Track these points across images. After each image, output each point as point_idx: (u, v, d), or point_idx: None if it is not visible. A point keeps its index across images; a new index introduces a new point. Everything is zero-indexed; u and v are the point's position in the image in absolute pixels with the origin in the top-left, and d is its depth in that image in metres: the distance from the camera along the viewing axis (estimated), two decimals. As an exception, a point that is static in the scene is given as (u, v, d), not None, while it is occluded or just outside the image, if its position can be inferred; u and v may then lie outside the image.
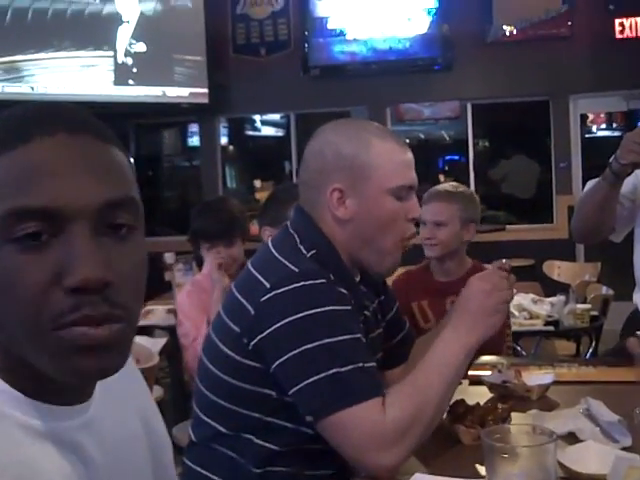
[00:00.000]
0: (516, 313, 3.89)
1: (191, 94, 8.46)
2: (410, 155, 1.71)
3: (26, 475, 0.77)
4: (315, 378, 1.46)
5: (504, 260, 1.66)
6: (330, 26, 8.53)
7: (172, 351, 4.07)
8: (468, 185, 8.42)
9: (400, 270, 2.91)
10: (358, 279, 1.73)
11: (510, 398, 1.92)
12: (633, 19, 7.83)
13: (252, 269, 1.62)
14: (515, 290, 1.68)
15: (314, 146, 1.71)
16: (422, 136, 9.26)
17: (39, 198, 0.75)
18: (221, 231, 3.13)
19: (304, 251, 1.62)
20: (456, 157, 9.23)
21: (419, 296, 2.93)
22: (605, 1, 7.81)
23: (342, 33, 8.51)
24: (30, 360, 0.79)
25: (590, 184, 2.60)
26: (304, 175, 1.73)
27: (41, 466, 0.79)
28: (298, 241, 1.64)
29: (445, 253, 2.95)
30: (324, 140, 1.70)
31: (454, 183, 3.20)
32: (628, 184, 2.56)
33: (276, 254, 1.62)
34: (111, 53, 8.06)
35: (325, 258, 1.62)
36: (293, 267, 1.56)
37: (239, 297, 1.59)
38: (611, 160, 2.42)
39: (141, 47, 8.19)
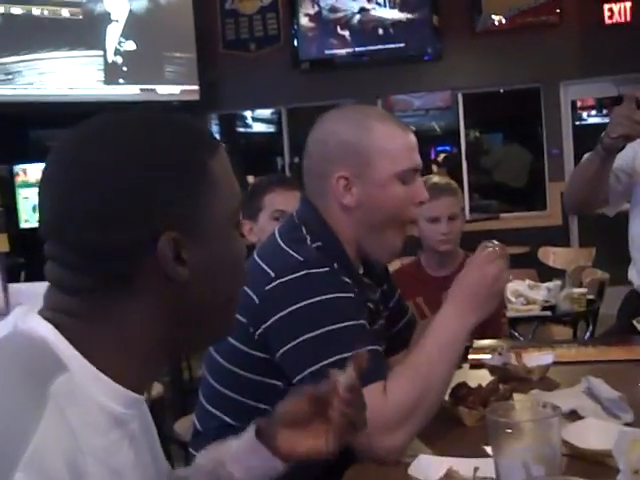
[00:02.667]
0: (513, 299, 3.91)
1: (182, 91, 8.45)
2: (413, 137, 1.70)
3: (107, 460, 0.87)
4: (319, 365, 1.47)
5: (494, 241, 1.66)
6: (319, 20, 8.53)
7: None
8: (461, 175, 8.45)
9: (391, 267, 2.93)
10: (361, 272, 1.73)
11: (511, 380, 1.93)
12: (622, 4, 7.85)
13: (257, 259, 1.62)
14: (511, 277, 1.69)
15: (316, 135, 1.70)
16: (413, 127, 9.25)
17: None
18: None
19: (309, 241, 1.62)
20: (448, 147, 9.25)
21: (414, 293, 2.89)
22: (593, -13, 7.84)
23: (332, 26, 8.51)
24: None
25: (584, 158, 2.60)
26: (308, 165, 1.72)
27: (118, 453, 0.90)
28: (304, 232, 1.65)
29: (455, 247, 2.98)
30: (326, 129, 1.69)
31: (441, 177, 3.25)
32: (627, 158, 2.56)
33: (281, 244, 1.62)
34: (101, 52, 8.05)
35: (330, 250, 1.62)
36: (297, 256, 1.56)
37: (244, 287, 1.59)
38: (602, 135, 2.43)
39: (131, 45, 8.18)
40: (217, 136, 9.39)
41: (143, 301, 0.90)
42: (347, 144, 1.64)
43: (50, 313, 0.91)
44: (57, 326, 0.89)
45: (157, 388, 3.51)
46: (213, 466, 1.19)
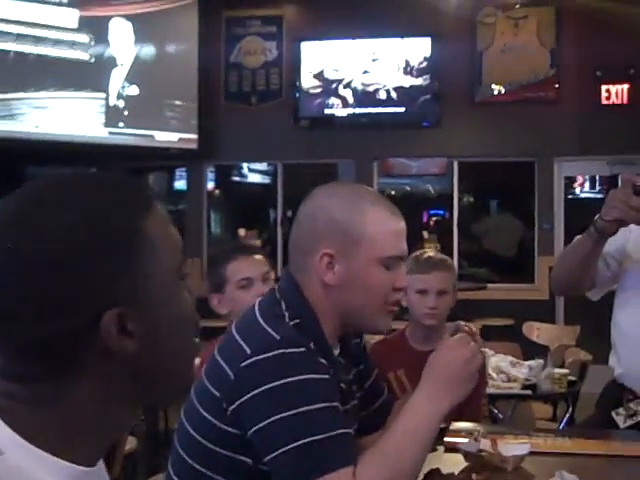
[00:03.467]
0: (494, 375, 3.89)
1: (180, 139, 8.51)
2: (403, 224, 1.71)
3: None
4: (290, 447, 1.46)
5: (462, 322, 1.67)
6: (321, 79, 8.64)
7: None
8: (451, 240, 8.49)
9: (376, 338, 2.90)
10: (337, 352, 1.73)
11: (485, 468, 1.92)
12: (619, 86, 7.98)
13: (235, 333, 1.62)
14: (493, 351, 1.69)
15: (307, 209, 1.71)
16: (408, 189, 9.35)
17: None
18: None
19: (287, 319, 1.62)
20: (441, 212, 9.31)
21: (395, 365, 2.86)
22: (592, 67, 7.97)
23: (334, 85, 8.62)
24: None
25: (575, 239, 2.59)
26: (295, 237, 1.72)
27: None
28: (284, 308, 1.64)
29: (441, 323, 2.94)
30: (317, 204, 1.70)
31: (434, 252, 3.23)
32: (618, 245, 2.55)
33: (260, 319, 1.62)
34: (103, 95, 8.11)
35: (307, 328, 1.62)
36: (274, 334, 1.56)
37: (220, 361, 1.59)
38: (596, 217, 2.42)
39: (134, 90, 8.25)
40: (212, 184, 9.45)
41: (90, 381, 0.87)
42: (337, 223, 1.65)
43: None
44: None
45: (131, 442, 3.47)
46: None
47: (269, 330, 1.57)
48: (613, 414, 2.51)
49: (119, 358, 0.86)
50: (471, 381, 1.59)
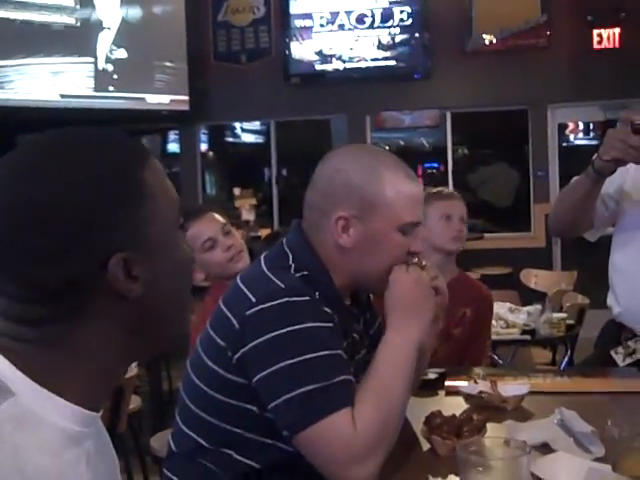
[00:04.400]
0: (493, 322, 3.92)
1: (172, 101, 8.45)
2: (420, 189, 1.71)
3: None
4: (293, 394, 1.48)
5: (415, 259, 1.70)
6: (311, 34, 8.57)
7: (151, 360, 4.08)
8: (447, 193, 8.48)
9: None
10: (348, 302, 1.75)
11: (486, 409, 1.94)
12: (611, 30, 7.92)
13: (240, 283, 1.63)
14: (437, 274, 1.72)
15: (325, 170, 1.70)
16: (402, 143, 9.32)
17: None
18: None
19: (293, 270, 1.63)
20: (435, 164, 9.28)
21: None
22: (583, 12, 7.90)
23: (323, 42, 8.55)
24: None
25: (573, 180, 2.59)
26: (311, 197, 1.72)
27: (73, 473, 0.88)
28: (291, 259, 1.66)
29: (459, 250, 3.03)
30: (336, 166, 1.69)
31: None
32: (615, 185, 2.54)
33: (265, 270, 1.63)
34: (91, 59, 8.04)
35: (315, 280, 1.63)
36: (279, 283, 1.57)
37: (225, 311, 1.61)
38: (594, 157, 2.41)
39: (122, 53, 8.18)
40: (205, 146, 9.41)
41: (96, 324, 0.91)
42: (354, 186, 1.64)
43: None
44: (4, 352, 0.89)
45: (135, 401, 3.51)
46: None
47: (274, 279, 1.58)
48: (612, 353, 2.53)
49: (125, 302, 0.91)
50: (428, 300, 1.64)
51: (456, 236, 2.96)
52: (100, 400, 0.96)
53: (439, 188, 3.16)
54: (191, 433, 1.66)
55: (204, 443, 1.63)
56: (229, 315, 1.59)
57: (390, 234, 1.66)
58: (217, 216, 2.89)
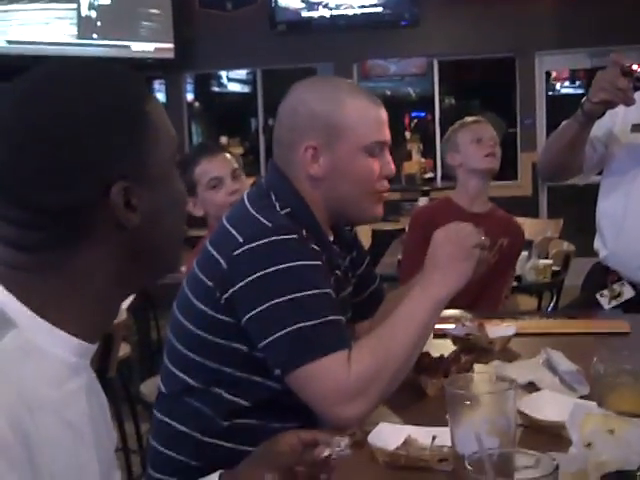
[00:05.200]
0: (479, 268, 3.94)
1: (156, 49, 8.36)
2: (383, 112, 1.72)
3: (62, 412, 0.88)
4: (283, 332, 1.49)
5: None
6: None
7: (139, 308, 4.09)
8: (434, 142, 8.47)
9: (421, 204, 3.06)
10: (331, 238, 1.75)
11: (473, 350, 1.96)
12: (598, -24, 7.85)
13: (227, 224, 1.63)
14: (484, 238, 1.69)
15: (287, 104, 1.71)
16: (388, 93, 9.26)
17: None
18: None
19: (278, 208, 1.64)
20: (422, 114, 9.25)
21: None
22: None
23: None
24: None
25: (562, 124, 2.59)
26: (278, 133, 1.73)
27: (74, 404, 0.91)
28: (274, 198, 1.66)
29: (496, 169, 3.13)
30: (297, 98, 1.70)
31: None
32: (604, 128, 2.55)
33: (251, 209, 1.63)
34: (74, 6, 7.91)
35: (299, 216, 1.64)
36: (266, 222, 1.57)
37: (212, 251, 1.61)
38: (583, 100, 2.41)
39: (105, 0, 8.05)
40: (192, 95, 9.33)
41: (94, 252, 0.92)
42: (317, 115, 1.65)
43: None
44: (4, 282, 0.90)
45: (124, 348, 3.52)
46: None
47: (261, 218, 1.58)
48: (597, 296, 2.56)
49: (122, 231, 0.93)
50: (467, 259, 1.59)
51: (489, 153, 3.04)
52: (97, 331, 0.97)
53: (466, 118, 3.24)
54: (180, 374, 1.67)
55: (193, 383, 1.64)
56: (216, 255, 1.59)
57: (358, 157, 1.66)
58: (230, 158, 2.89)
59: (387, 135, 1.72)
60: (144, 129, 0.95)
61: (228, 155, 2.90)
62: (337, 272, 1.74)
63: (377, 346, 1.52)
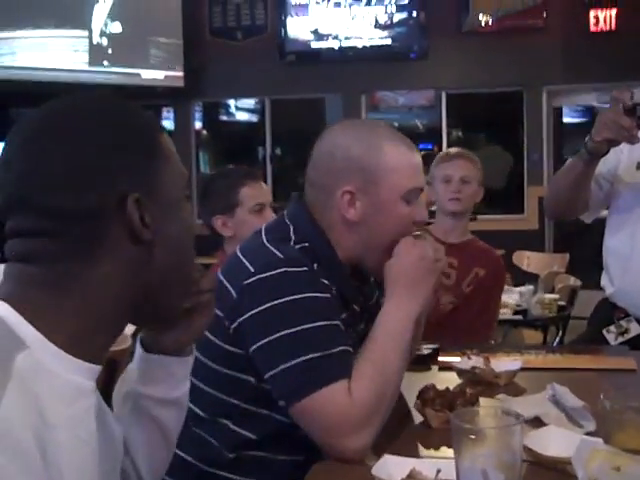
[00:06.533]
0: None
1: (166, 77, 8.42)
2: (419, 158, 1.71)
3: (75, 429, 0.90)
4: (290, 364, 1.48)
5: (417, 232, 1.70)
6: (307, 12, 8.53)
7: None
8: (441, 174, 8.47)
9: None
10: (349, 272, 1.75)
11: (478, 384, 1.95)
12: (608, 12, 7.91)
13: (239, 254, 1.64)
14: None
15: (323, 147, 1.70)
16: (396, 124, 9.29)
17: None
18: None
19: (293, 242, 1.63)
20: (429, 146, 9.27)
21: None
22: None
23: (320, 19, 8.51)
24: None
25: (567, 162, 2.59)
26: (312, 175, 1.72)
27: (85, 422, 0.92)
28: (292, 230, 1.66)
29: (464, 210, 3.05)
30: (334, 142, 1.69)
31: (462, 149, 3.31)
32: (609, 165, 2.54)
33: (265, 241, 1.63)
34: (86, 33, 7.99)
35: (315, 251, 1.63)
36: (278, 253, 1.57)
37: (224, 281, 1.60)
38: (587, 139, 2.40)
39: (117, 27, 8.13)
40: (200, 124, 9.37)
41: (107, 266, 0.94)
42: (355, 160, 1.64)
43: (10, 287, 0.93)
44: (16, 302, 0.90)
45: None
46: (133, 402, 1.18)
47: (273, 250, 1.59)
48: (604, 332, 2.54)
49: (136, 248, 0.95)
50: (431, 275, 1.63)
51: (453, 197, 2.98)
52: (102, 352, 0.98)
53: (449, 149, 3.21)
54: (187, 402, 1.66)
55: (200, 413, 1.63)
56: (227, 285, 1.59)
57: (395, 203, 1.66)
58: (269, 189, 2.95)
59: (423, 181, 1.72)
60: (157, 155, 1.00)
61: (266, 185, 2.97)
62: (355, 307, 1.73)
63: (374, 371, 1.52)
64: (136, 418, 1.18)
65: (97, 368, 0.96)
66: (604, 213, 2.73)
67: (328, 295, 1.58)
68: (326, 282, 1.60)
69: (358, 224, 1.66)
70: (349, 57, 8.44)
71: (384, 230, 1.67)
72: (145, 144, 0.98)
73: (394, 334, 1.57)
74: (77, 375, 0.92)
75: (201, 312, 1.15)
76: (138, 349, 1.18)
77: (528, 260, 6.13)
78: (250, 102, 9.72)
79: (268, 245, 1.61)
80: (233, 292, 1.57)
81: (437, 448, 1.57)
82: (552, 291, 4.53)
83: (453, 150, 3.18)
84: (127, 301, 0.97)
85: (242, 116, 10.17)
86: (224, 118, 10.16)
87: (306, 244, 1.64)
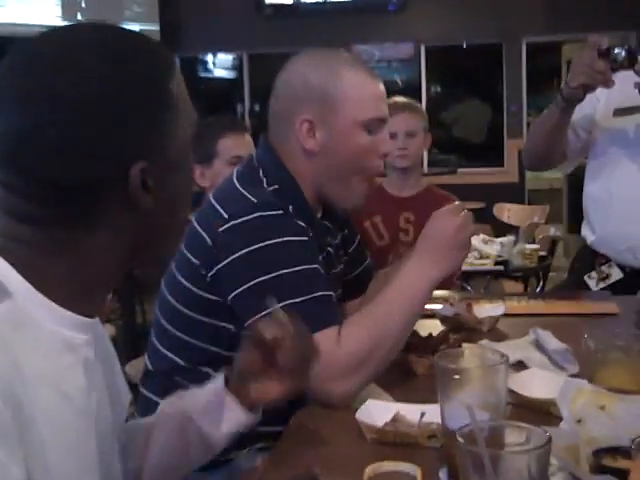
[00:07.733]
0: (467, 253, 3.94)
1: (142, 31, 8.23)
2: (382, 87, 1.69)
3: (57, 384, 0.86)
4: (270, 309, 1.47)
5: (457, 202, 1.67)
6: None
7: (125, 291, 4.07)
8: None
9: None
10: (320, 215, 1.72)
11: (461, 330, 1.95)
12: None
13: (213, 200, 1.61)
14: (479, 233, 1.69)
15: (283, 77, 1.68)
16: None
17: None
18: None
19: (265, 184, 1.61)
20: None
21: (372, 212, 2.92)
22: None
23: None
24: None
25: (544, 111, 2.57)
26: (274, 106, 1.70)
27: (70, 378, 0.88)
28: (261, 174, 1.63)
29: (413, 164, 3.00)
30: (293, 71, 1.67)
31: (404, 98, 3.18)
32: (586, 114, 2.53)
33: (238, 186, 1.61)
34: (58, -14, 7.84)
35: (287, 194, 1.61)
36: (252, 198, 1.55)
37: (198, 228, 1.58)
38: (562, 85, 2.39)
39: (90, -19, 7.98)
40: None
41: (102, 232, 0.89)
42: (314, 88, 1.62)
43: None
44: (4, 252, 0.87)
45: (110, 330, 3.50)
46: (180, 420, 1.19)
47: (247, 195, 1.56)
48: (585, 278, 2.54)
49: (132, 214, 0.90)
50: (462, 249, 1.59)
51: (400, 154, 2.94)
52: (95, 307, 0.95)
53: (391, 98, 2.91)
54: (168, 352, 1.65)
55: (181, 362, 1.63)
56: (202, 232, 1.57)
57: (355, 132, 1.63)
58: (252, 141, 2.87)
59: (385, 111, 1.68)
60: (166, 110, 0.92)
61: (249, 137, 2.88)
62: (328, 249, 1.72)
63: (372, 325, 1.50)
64: (177, 434, 1.19)
65: (89, 321, 0.93)
66: (583, 159, 2.71)
67: (305, 238, 1.56)
68: (302, 224, 1.58)
69: (317, 154, 1.64)
70: (327, 10, 8.34)
71: (344, 160, 1.64)
72: (155, 103, 0.90)
73: (406, 293, 1.53)
74: (65, 328, 0.88)
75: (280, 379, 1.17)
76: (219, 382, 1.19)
77: (509, 212, 6.15)
78: (228, 58, 9.62)
79: (241, 190, 1.59)
80: (208, 239, 1.54)
81: (421, 393, 1.56)
82: (533, 242, 4.55)
83: (394, 101, 2.96)
84: (124, 260, 0.94)
85: (220, 72, 10.07)
86: (202, 75, 10.05)
87: (276, 186, 1.62)
